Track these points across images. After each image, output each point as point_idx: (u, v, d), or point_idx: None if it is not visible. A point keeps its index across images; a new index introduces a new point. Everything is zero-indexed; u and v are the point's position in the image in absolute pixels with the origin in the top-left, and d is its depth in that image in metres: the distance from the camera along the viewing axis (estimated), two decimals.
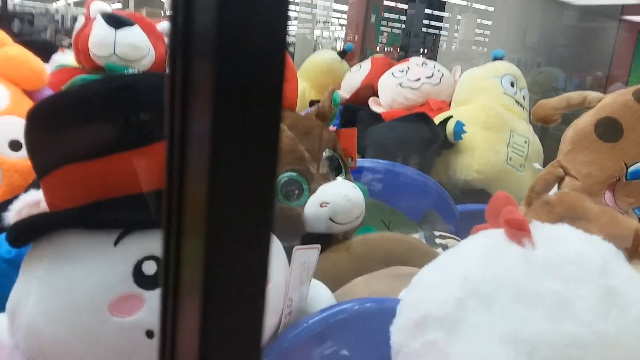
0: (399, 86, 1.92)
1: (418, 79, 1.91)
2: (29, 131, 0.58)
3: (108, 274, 0.53)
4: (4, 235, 0.83)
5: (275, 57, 0.18)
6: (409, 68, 1.97)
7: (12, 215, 0.66)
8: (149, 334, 0.53)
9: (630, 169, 1.22)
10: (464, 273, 0.59)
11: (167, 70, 0.20)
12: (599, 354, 0.53)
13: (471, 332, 0.55)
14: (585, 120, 1.27)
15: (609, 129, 1.24)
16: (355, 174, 1.20)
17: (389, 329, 0.63)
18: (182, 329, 0.23)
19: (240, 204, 0.20)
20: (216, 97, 0.18)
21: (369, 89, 2.12)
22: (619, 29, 2.67)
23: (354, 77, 2.29)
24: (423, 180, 1.38)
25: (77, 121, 0.55)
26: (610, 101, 1.26)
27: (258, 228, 0.21)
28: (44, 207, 0.65)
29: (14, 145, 1.27)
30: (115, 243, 0.54)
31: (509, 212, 0.62)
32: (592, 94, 1.30)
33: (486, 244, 0.62)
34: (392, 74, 1.99)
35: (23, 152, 1.28)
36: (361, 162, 1.33)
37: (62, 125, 0.56)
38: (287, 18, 0.18)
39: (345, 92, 2.25)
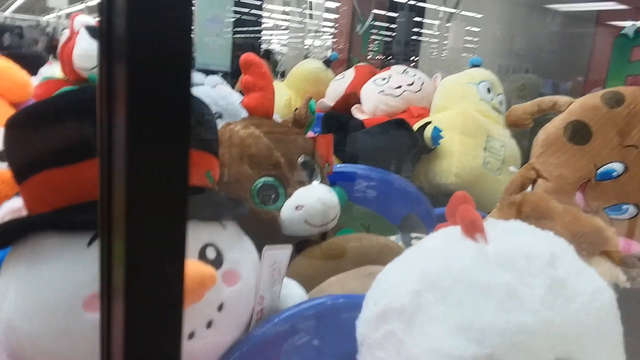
0: (381, 94, 1.97)
1: (399, 87, 1.96)
2: (8, 139, 0.62)
3: (82, 273, 0.56)
4: None
5: (183, 60, 0.21)
6: (390, 76, 2.02)
7: None
8: None
9: (600, 170, 1.26)
10: (421, 267, 0.62)
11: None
12: (546, 341, 0.57)
13: (427, 322, 0.58)
14: (556, 124, 1.31)
15: (578, 132, 1.28)
16: (335, 179, 1.24)
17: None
18: (114, 328, 0.25)
19: (156, 207, 0.22)
20: (129, 101, 0.20)
21: (353, 97, 2.16)
22: (596, 34, 2.74)
23: (338, 85, 2.34)
24: (402, 184, 1.41)
25: (52, 129, 0.59)
26: (579, 105, 1.31)
27: (174, 229, 0.23)
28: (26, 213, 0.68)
29: (0, 156, 1.30)
30: (89, 244, 0.57)
31: (464, 210, 0.65)
32: (563, 99, 1.35)
33: (443, 240, 0.66)
34: (374, 82, 2.04)
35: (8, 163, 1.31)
36: (342, 167, 1.36)
37: (39, 133, 0.59)
38: (190, 22, 0.21)
39: (330, 100, 2.29)
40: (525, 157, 1.74)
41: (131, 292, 0.24)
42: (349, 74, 2.31)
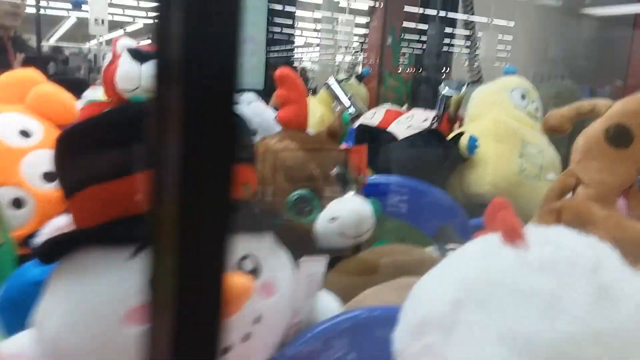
0: (410, 128, 1.98)
1: (426, 120, 1.97)
2: (58, 156, 0.65)
3: (125, 286, 0.58)
4: (33, 261, 0.89)
5: (231, 82, 0.22)
6: (413, 115, 2.05)
7: (43, 238, 0.72)
8: None
9: None
10: (459, 275, 0.61)
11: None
12: (594, 350, 0.54)
13: (467, 332, 0.57)
14: (595, 128, 1.27)
15: (619, 135, 1.24)
16: (369, 190, 1.24)
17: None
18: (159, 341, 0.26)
19: (207, 221, 0.23)
20: (184, 120, 0.21)
21: None
22: (634, 37, 2.67)
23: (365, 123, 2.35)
24: (437, 195, 1.40)
25: (97, 145, 0.61)
26: (619, 108, 1.27)
27: (222, 242, 0.24)
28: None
29: (48, 177, 1.35)
30: (131, 257, 0.59)
31: (504, 216, 0.64)
32: (602, 102, 1.31)
33: (481, 247, 0.64)
34: (398, 122, 2.07)
35: (56, 183, 1.37)
36: (376, 178, 1.36)
37: (85, 150, 0.62)
38: (240, 47, 0.22)
39: None
40: (565, 165, 1.70)
41: (181, 304, 0.24)
42: (379, 115, 2.32)
